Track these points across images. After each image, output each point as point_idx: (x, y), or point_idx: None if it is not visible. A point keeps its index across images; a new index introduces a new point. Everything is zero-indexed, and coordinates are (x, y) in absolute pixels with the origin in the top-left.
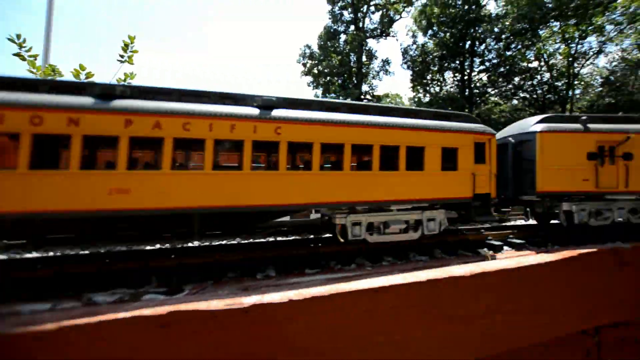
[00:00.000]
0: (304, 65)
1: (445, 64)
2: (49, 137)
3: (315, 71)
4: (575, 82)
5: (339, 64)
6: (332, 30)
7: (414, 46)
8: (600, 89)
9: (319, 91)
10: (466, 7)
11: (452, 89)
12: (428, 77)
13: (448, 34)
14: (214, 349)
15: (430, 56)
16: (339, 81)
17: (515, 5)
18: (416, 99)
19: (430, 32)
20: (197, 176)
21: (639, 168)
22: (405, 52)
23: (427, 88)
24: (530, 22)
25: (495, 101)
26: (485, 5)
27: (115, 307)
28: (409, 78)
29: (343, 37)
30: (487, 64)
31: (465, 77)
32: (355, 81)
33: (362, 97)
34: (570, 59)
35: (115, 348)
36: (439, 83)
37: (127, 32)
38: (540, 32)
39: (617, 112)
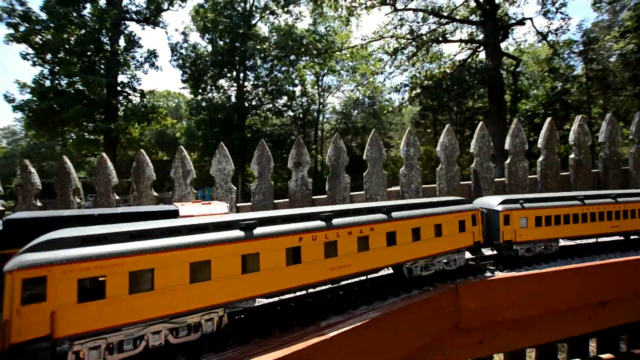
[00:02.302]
0: (13, 26)
1: (223, 72)
2: None
3: (38, 40)
4: (325, 109)
5: (78, 41)
6: None
7: (185, 45)
8: (339, 116)
9: (46, 70)
10: (240, 22)
11: (226, 97)
12: (206, 81)
13: (222, 42)
14: None
15: (205, 60)
16: (84, 63)
17: (276, 33)
18: (195, 102)
19: (207, 36)
20: None
21: None
22: (174, 48)
23: (203, 92)
24: (284, 50)
25: (267, 115)
26: (255, 25)
27: None
28: (180, 78)
29: (90, 7)
30: (259, 81)
31: (243, 89)
32: (106, 68)
33: (120, 89)
34: (319, 90)
35: None
36: (216, 89)
37: None
38: (301, 62)
39: (348, 134)
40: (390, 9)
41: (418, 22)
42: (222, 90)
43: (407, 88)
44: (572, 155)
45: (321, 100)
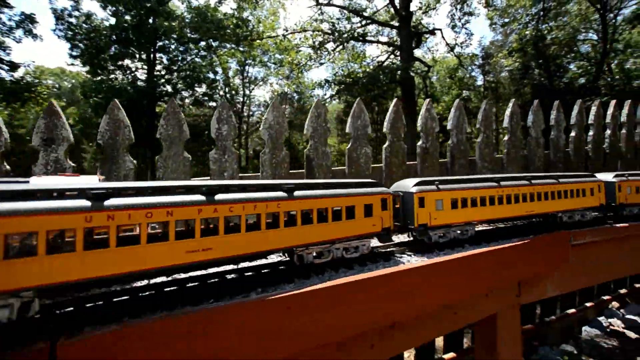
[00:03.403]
0: None
1: (130, 50)
2: None
3: None
4: (252, 101)
5: None
6: None
7: (76, 13)
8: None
9: None
10: None
11: (131, 80)
12: (106, 59)
13: (129, 16)
14: None
15: (104, 35)
16: None
17: (193, 12)
18: (92, 84)
19: (110, 7)
20: None
21: None
22: (60, 16)
23: (103, 72)
24: (199, 33)
25: (184, 104)
26: (168, 1)
27: None
28: (68, 52)
29: None
30: (175, 65)
31: (154, 72)
32: None
33: None
34: (244, 80)
35: None
36: (120, 70)
37: None
38: (225, 49)
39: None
40: (312, 2)
41: (340, 19)
42: (128, 72)
43: (329, 85)
44: (419, 143)
45: (246, 92)
